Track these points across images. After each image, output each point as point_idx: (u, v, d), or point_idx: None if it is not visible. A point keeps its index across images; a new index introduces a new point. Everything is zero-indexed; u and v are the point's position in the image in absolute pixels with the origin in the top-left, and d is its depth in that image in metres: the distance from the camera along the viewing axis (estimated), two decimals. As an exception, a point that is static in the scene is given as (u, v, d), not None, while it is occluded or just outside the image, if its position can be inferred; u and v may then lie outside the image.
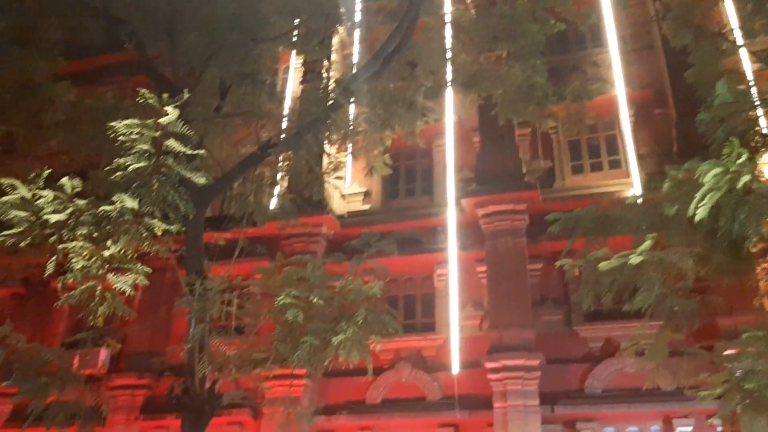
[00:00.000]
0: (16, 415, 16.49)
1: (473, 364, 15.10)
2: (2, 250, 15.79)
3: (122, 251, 6.87)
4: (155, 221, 6.97)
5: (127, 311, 7.56)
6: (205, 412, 9.49)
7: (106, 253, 6.63)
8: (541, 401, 14.25)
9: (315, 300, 8.32)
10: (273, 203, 15.33)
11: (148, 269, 7.26)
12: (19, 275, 17.53)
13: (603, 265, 8.34)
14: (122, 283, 6.78)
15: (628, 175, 16.50)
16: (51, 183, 7.46)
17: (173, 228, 7.34)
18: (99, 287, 6.91)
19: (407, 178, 18.99)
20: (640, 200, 10.12)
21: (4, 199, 6.82)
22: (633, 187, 15.79)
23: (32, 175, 7.06)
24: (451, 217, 16.57)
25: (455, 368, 15.23)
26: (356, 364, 9.13)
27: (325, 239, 17.36)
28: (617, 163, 17.27)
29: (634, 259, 8.06)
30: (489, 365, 14.65)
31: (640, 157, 16.47)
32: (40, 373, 9.08)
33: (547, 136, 17.87)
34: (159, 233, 7.10)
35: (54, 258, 6.76)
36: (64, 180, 7.19)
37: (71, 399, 10.10)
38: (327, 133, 11.74)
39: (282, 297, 8.48)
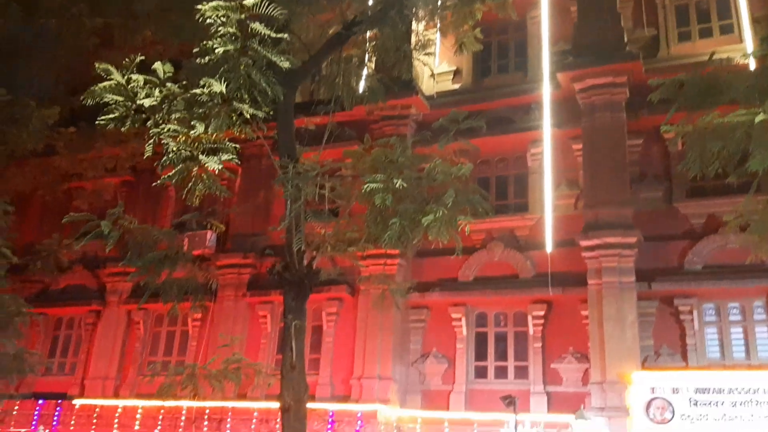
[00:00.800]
0: (135, 293, 18.05)
1: (567, 242, 15.01)
2: (110, 140, 16.82)
3: (212, 134, 7.06)
4: (243, 105, 7.08)
5: (223, 190, 7.85)
6: (305, 287, 9.96)
7: (195, 133, 6.81)
8: (638, 278, 14.11)
9: (398, 183, 8.28)
10: (361, 86, 15.22)
11: (236, 145, 7.42)
12: (127, 164, 18.56)
13: (719, 121, 7.76)
14: (212, 161, 7.00)
15: (740, 40, 15.22)
16: (147, 73, 7.67)
17: (262, 112, 7.45)
18: (195, 168, 7.19)
19: (499, 53, 18.26)
20: (753, 63, 9.32)
21: (101, 84, 7.10)
22: (746, 53, 14.56)
23: (125, 61, 7.26)
24: (545, 93, 15.97)
25: (549, 246, 15.20)
26: (448, 244, 9.23)
27: (414, 121, 17.22)
28: (729, 28, 15.88)
29: (760, 117, 7.40)
30: (584, 243, 14.51)
31: (755, 21, 15.09)
32: (152, 251, 9.75)
33: (651, 1, 16.58)
34: (248, 116, 7.23)
35: (152, 141, 7.05)
36: (157, 64, 7.36)
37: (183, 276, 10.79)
38: (413, 9, 11.32)
39: (368, 183, 8.51)
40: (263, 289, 17.05)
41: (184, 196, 7.55)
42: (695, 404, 12.59)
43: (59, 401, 17.81)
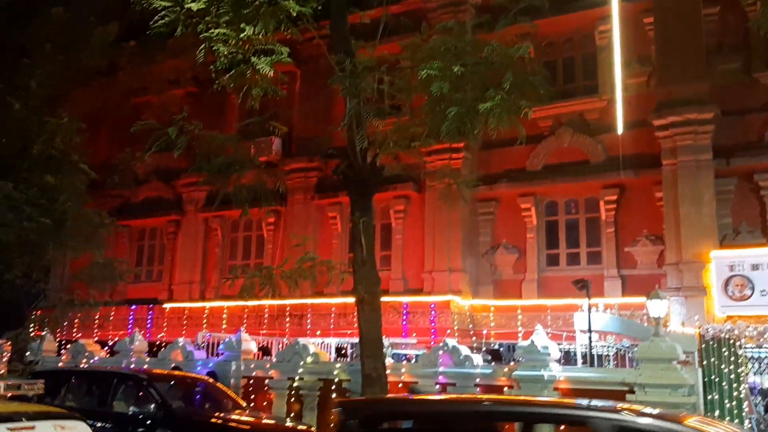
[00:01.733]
0: (209, 201, 18.62)
1: (639, 123, 14.44)
2: (170, 51, 16.84)
3: (261, 35, 6.92)
4: (289, 2, 6.87)
5: (279, 92, 7.79)
6: (369, 184, 9.97)
7: (245, 36, 6.70)
8: (715, 155, 13.55)
9: (456, 69, 7.93)
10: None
11: (287, 48, 7.28)
12: (188, 74, 18.69)
13: None
14: (263, 63, 6.91)
15: None
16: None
17: (308, 9, 7.24)
18: (248, 71, 7.13)
19: (561, -76, 17.03)
20: None
21: (149, -9, 7.01)
22: None
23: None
24: (612, -37, 14.93)
25: (620, 128, 14.64)
26: (515, 134, 8.95)
27: (472, 6, 16.49)
28: None
29: None
30: (657, 122, 13.94)
31: None
32: (220, 156, 9.87)
33: None
34: (294, 13, 7.02)
35: (203, 46, 7.00)
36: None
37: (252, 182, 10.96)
38: None
39: (425, 70, 8.20)
40: (331, 191, 17.28)
41: (241, 100, 7.53)
42: (776, 280, 12.28)
43: (151, 306, 19.01)
